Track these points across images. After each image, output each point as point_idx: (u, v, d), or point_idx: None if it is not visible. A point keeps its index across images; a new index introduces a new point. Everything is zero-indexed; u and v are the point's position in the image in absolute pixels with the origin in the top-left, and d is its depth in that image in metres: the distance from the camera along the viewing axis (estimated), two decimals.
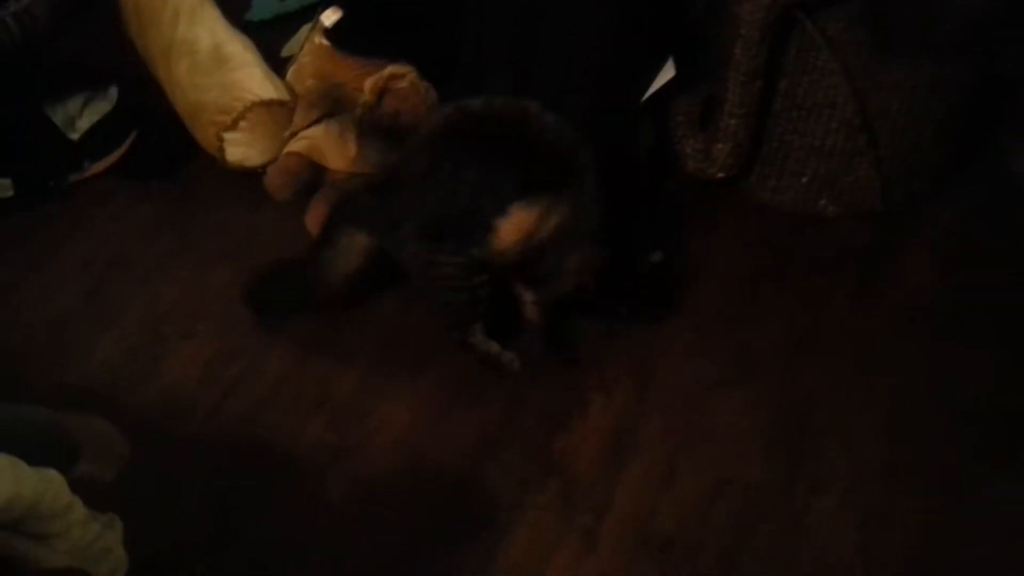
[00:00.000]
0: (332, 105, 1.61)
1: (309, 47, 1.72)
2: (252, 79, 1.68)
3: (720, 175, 1.58)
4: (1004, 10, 1.33)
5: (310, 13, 1.87)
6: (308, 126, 1.61)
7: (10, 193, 1.71)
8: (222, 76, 1.69)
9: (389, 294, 1.52)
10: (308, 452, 1.36)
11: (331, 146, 1.60)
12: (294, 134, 1.62)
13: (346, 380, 1.43)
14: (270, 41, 1.83)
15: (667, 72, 1.54)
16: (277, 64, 1.76)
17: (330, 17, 1.64)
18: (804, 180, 1.59)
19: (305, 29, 1.85)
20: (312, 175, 1.60)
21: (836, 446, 1.33)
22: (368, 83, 1.58)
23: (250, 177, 1.69)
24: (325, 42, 1.68)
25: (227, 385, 1.44)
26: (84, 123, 1.78)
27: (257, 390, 1.43)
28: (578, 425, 1.37)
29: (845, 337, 1.46)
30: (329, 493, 1.31)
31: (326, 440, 1.37)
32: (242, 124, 1.66)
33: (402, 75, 1.59)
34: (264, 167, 1.66)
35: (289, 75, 1.73)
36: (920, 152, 1.56)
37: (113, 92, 1.82)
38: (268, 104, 1.66)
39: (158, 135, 1.79)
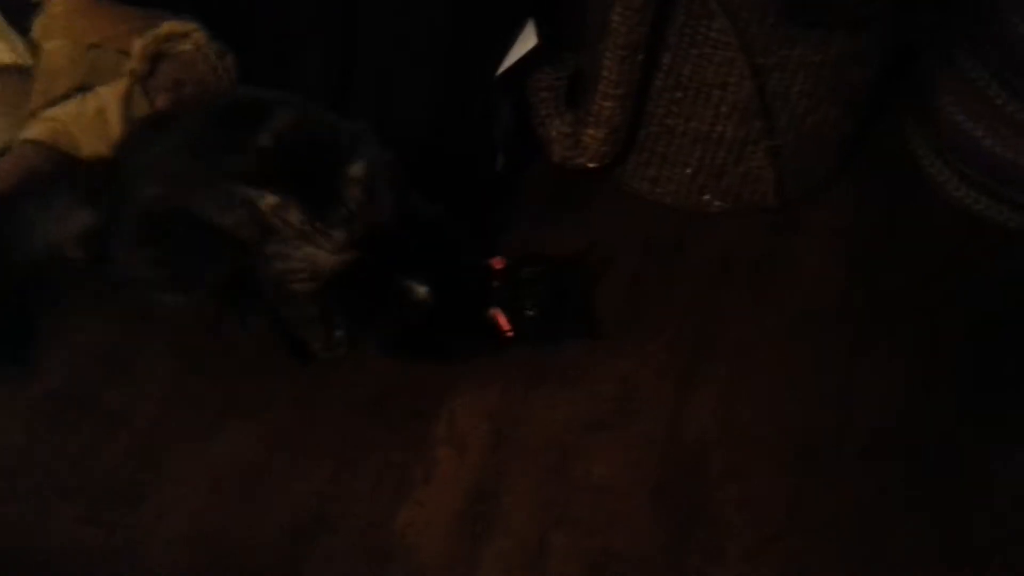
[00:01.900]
0: (86, 74, 1.21)
1: None
2: None
3: (592, 165, 1.31)
4: None
5: None
6: (52, 103, 1.20)
7: None
8: None
9: (171, 330, 1.17)
10: (59, 555, 1.01)
11: (86, 129, 1.19)
12: (33, 114, 1.20)
13: (112, 451, 1.08)
14: None
15: (527, 40, 1.24)
16: (19, 14, 1.32)
17: None
18: (688, 171, 1.34)
19: None
20: (58, 169, 1.20)
21: (735, 497, 1.11)
22: (137, 45, 1.19)
23: None
24: None
25: None
26: None
27: None
28: (425, 493, 1.09)
29: (739, 356, 1.24)
30: None
31: (85, 537, 1.02)
32: None
33: (184, 34, 1.21)
34: None
35: (35, 30, 1.31)
36: (820, 139, 1.34)
37: None
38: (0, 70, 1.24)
39: None
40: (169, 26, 1.21)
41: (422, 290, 1.11)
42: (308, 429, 1.12)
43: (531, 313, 1.13)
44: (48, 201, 1.13)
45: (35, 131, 1.19)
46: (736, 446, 1.15)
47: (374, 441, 1.12)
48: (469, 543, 1.05)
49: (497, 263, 1.16)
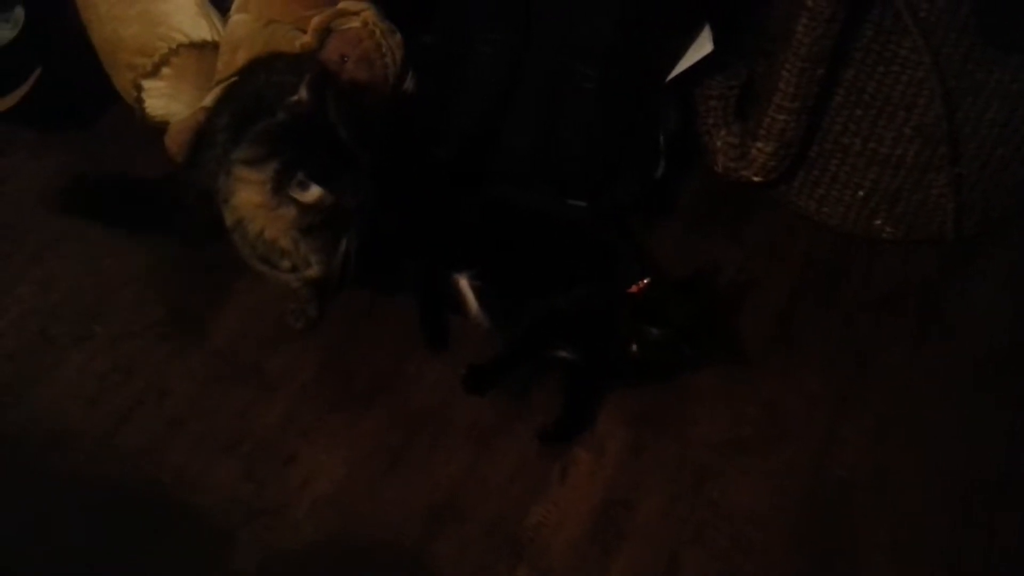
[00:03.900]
0: (263, 46, 1.26)
1: None
2: (182, 12, 1.34)
3: (757, 179, 1.27)
4: None
5: None
6: (233, 74, 1.26)
7: None
8: (146, 6, 1.34)
9: (332, 307, 1.23)
10: (217, 505, 1.08)
11: None
12: (218, 83, 1.27)
13: (269, 414, 1.14)
14: None
15: (703, 46, 1.22)
16: None
17: None
18: (860, 194, 1.28)
19: None
20: None
21: (883, 541, 1.06)
22: (313, 20, 1.24)
23: None
24: None
25: (124, 408, 1.15)
26: None
27: (160, 418, 1.14)
28: (559, 493, 1.09)
29: (898, 393, 1.18)
30: (237, 564, 1.04)
31: (240, 492, 1.08)
32: (165, 70, 1.33)
33: (355, 12, 1.24)
34: None
35: (233, 9, 1.39)
36: (1008, 172, 1.25)
37: (19, 14, 1.48)
38: (199, 47, 1.33)
39: (69, 73, 1.46)
40: (344, 4, 1.26)
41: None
42: (453, 414, 1.14)
43: (645, 336, 1.09)
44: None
45: (210, 98, 1.26)
46: (888, 487, 1.09)
47: (514, 434, 1.13)
48: (599, 550, 1.05)
49: (635, 288, 1.13)
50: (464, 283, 1.17)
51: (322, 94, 1.01)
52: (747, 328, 1.22)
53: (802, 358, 1.20)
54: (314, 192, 0.98)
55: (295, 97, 1.00)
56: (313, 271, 1.09)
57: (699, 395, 1.17)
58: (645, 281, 1.13)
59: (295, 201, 0.99)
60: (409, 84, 1.32)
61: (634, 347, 1.09)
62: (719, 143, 1.29)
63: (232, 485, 1.09)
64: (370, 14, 1.25)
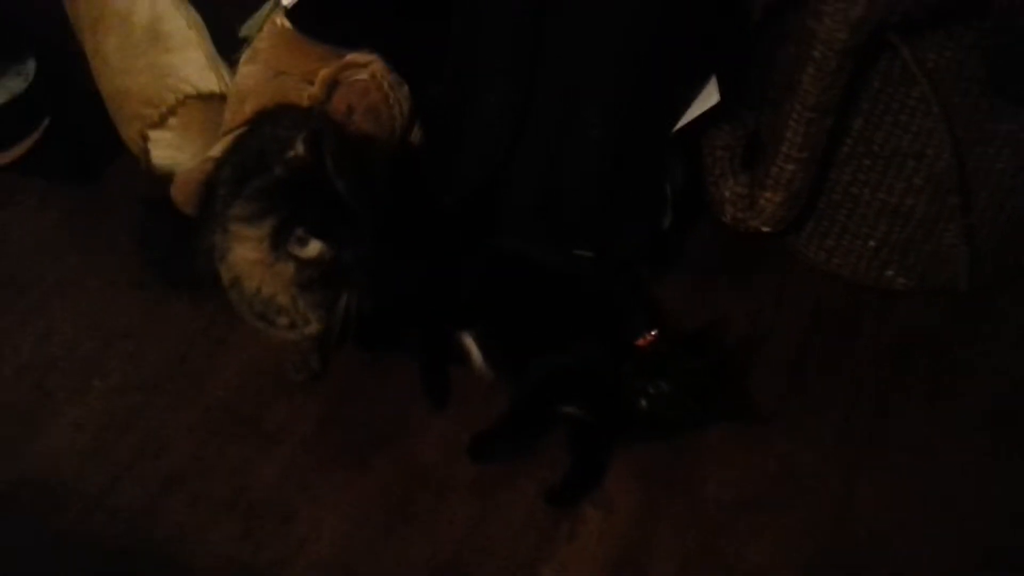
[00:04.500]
0: (271, 97, 1.27)
1: (268, 28, 1.38)
2: (190, 64, 1.35)
3: (765, 229, 1.26)
4: None
5: None
6: (240, 125, 1.26)
7: None
8: (155, 58, 1.35)
9: (332, 358, 1.21)
10: (213, 565, 1.04)
11: None
12: (225, 133, 1.27)
13: (268, 469, 1.11)
14: (229, 17, 1.50)
15: (709, 97, 1.22)
16: (229, 48, 1.42)
17: None
18: (871, 244, 1.27)
19: (268, 5, 1.52)
20: None
21: None
22: (321, 73, 1.25)
23: None
24: (286, 23, 1.34)
25: (120, 465, 1.12)
26: None
27: (157, 474, 1.11)
28: (567, 552, 1.05)
29: (916, 449, 1.15)
30: None
31: (239, 554, 1.05)
32: (172, 121, 1.33)
33: (362, 64, 1.25)
34: None
35: (242, 62, 1.40)
36: (1021, 222, 1.24)
37: (31, 66, 1.49)
38: (207, 98, 1.33)
39: (77, 124, 1.47)
40: (350, 57, 1.26)
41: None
42: (457, 468, 1.11)
43: (652, 391, 1.07)
44: None
45: (218, 149, 1.26)
46: (909, 546, 1.06)
47: (520, 490, 1.10)
48: None
49: (642, 341, 1.11)
50: (468, 338, 1.15)
51: (319, 149, 1.00)
52: (758, 381, 1.20)
53: (815, 412, 1.17)
54: (314, 247, 0.97)
55: (292, 152, 1.00)
56: (312, 328, 1.07)
57: (710, 451, 1.13)
58: (653, 334, 1.10)
59: (294, 257, 0.97)
60: (415, 135, 1.32)
61: (643, 402, 1.07)
62: (727, 193, 1.28)
63: (229, 544, 1.06)
64: (378, 66, 1.25)
